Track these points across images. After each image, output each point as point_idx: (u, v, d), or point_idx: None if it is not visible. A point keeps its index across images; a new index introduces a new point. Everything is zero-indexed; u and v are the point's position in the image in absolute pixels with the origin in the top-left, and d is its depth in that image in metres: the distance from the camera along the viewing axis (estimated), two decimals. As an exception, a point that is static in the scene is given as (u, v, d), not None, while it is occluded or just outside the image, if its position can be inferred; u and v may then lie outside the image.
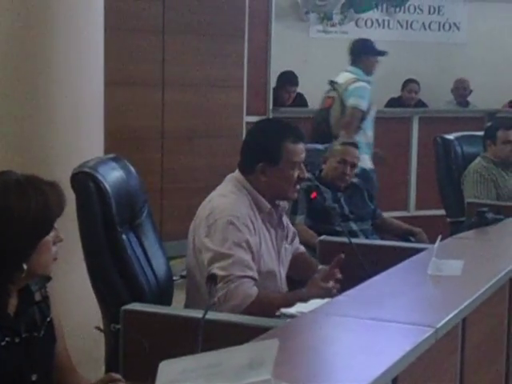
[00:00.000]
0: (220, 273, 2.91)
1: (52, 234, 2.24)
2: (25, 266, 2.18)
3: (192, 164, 6.44)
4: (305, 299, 2.84)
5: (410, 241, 4.69)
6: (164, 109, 6.35)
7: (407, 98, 8.54)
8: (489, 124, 5.99)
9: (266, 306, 2.86)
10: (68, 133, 3.89)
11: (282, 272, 3.28)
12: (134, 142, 5.97)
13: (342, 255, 3.13)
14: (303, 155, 3.22)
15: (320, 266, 3.35)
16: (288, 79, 7.80)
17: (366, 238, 4.59)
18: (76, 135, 3.92)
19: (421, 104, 8.62)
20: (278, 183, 3.17)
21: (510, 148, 5.35)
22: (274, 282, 3.20)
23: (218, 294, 2.89)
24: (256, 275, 3.03)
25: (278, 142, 3.16)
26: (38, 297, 2.31)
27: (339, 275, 3.12)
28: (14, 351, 2.20)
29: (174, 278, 3.36)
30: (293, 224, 3.70)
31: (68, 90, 3.89)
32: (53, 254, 2.26)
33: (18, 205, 2.17)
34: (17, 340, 2.21)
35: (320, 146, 5.15)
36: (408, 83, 8.59)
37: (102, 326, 2.96)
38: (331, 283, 3.07)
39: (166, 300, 3.15)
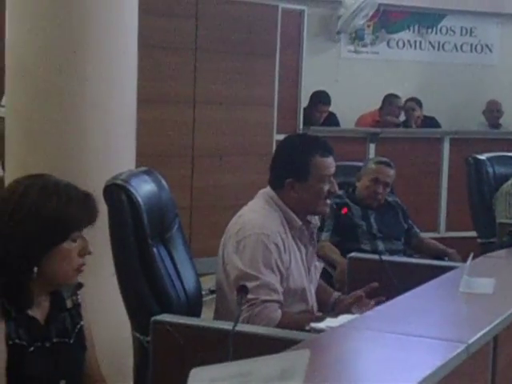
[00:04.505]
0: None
1: (76, 244, 2.22)
2: (35, 269, 2.17)
3: (221, 182, 6.45)
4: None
5: (443, 261, 4.64)
6: (195, 126, 6.38)
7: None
8: None
9: (291, 329, 2.82)
10: (100, 149, 3.90)
11: (312, 289, 3.26)
12: (165, 159, 5.99)
13: (376, 284, 3.12)
14: (333, 169, 3.17)
15: (336, 294, 3.36)
16: (320, 98, 7.74)
17: None
18: (108, 151, 3.93)
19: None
20: (307, 198, 3.13)
21: None
22: (304, 299, 3.18)
23: (241, 316, 2.87)
24: (281, 298, 3.00)
25: (305, 157, 3.12)
26: (69, 304, 2.32)
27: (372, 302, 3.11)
28: (44, 356, 2.21)
29: (203, 292, 3.36)
30: (318, 241, 3.67)
31: (101, 106, 3.90)
32: (75, 264, 2.23)
33: (35, 204, 2.16)
34: (47, 345, 2.22)
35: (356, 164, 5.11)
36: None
37: (131, 338, 2.96)
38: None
39: (195, 314, 3.13)
